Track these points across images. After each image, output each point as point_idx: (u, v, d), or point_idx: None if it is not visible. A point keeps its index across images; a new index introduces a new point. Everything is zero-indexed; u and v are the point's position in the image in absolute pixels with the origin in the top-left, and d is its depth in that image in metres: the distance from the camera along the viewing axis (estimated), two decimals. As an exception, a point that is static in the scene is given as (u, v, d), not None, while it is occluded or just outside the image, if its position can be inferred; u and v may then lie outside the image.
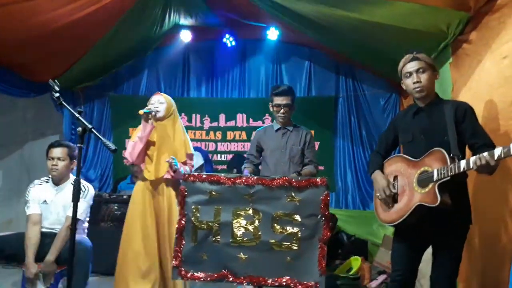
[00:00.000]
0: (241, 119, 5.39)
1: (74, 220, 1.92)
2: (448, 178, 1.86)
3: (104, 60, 5.08)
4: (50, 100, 4.65)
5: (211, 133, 5.43)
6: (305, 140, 3.08)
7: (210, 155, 5.23)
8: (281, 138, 3.08)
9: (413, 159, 2.09)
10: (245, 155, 3.34)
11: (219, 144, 5.40)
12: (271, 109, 3.12)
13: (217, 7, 4.68)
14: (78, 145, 1.91)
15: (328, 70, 5.37)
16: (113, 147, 1.91)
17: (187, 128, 5.41)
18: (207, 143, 5.41)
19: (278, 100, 3.03)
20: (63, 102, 2.01)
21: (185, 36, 5.20)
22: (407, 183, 2.08)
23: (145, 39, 5.08)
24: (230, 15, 4.80)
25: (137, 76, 5.66)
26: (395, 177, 2.17)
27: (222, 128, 5.42)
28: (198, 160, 4.46)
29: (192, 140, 5.35)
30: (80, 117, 1.96)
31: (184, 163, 2.97)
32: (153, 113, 2.82)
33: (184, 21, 5.07)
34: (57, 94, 2.00)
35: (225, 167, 5.22)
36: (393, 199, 2.13)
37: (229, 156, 5.31)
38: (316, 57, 5.38)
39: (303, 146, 3.06)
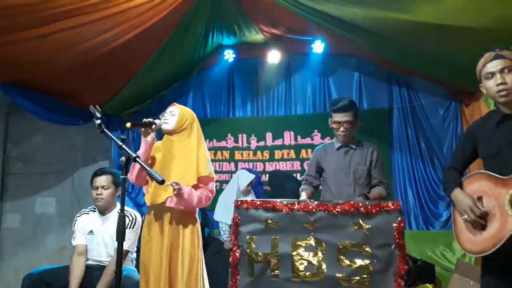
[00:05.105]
0: (288, 137, 5.16)
1: (120, 256, 1.74)
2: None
3: (150, 85, 5.08)
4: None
5: (258, 152, 5.23)
6: (371, 158, 2.76)
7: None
8: (344, 157, 2.78)
9: (500, 176, 1.78)
10: (303, 177, 3.04)
11: (267, 164, 5.18)
12: (330, 125, 2.83)
13: (260, 23, 4.55)
14: (122, 176, 1.74)
15: (380, 80, 5.05)
16: (160, 178, 1.73)
17: (235, 148, 5.27)
18: (254, 163, 5.22)
19: (338, 117, 2.73)
20: (104, 129, 1.88)
21: (229, 56, 5.14)
22: (496, 205, 1.77)
23: (189, 61, 5.05)
24: (274, 30, 4.66)
25: (182, 98, 5.58)
26: (479, 198, 1.86)
27: (269, 147, 5.21)
28: (243, 179, 4.32)
29: (239, 160, 5.28)
30: (123, 146, 1.80)
31: (195, 187, 2.44)
32: (154, 126, 2.37)
33: (228, 40, 5.01)
34: (99, 121, 1.86)
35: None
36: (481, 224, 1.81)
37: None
38: (365, 67, 5.07)
39: (369, 165, 2.74)
